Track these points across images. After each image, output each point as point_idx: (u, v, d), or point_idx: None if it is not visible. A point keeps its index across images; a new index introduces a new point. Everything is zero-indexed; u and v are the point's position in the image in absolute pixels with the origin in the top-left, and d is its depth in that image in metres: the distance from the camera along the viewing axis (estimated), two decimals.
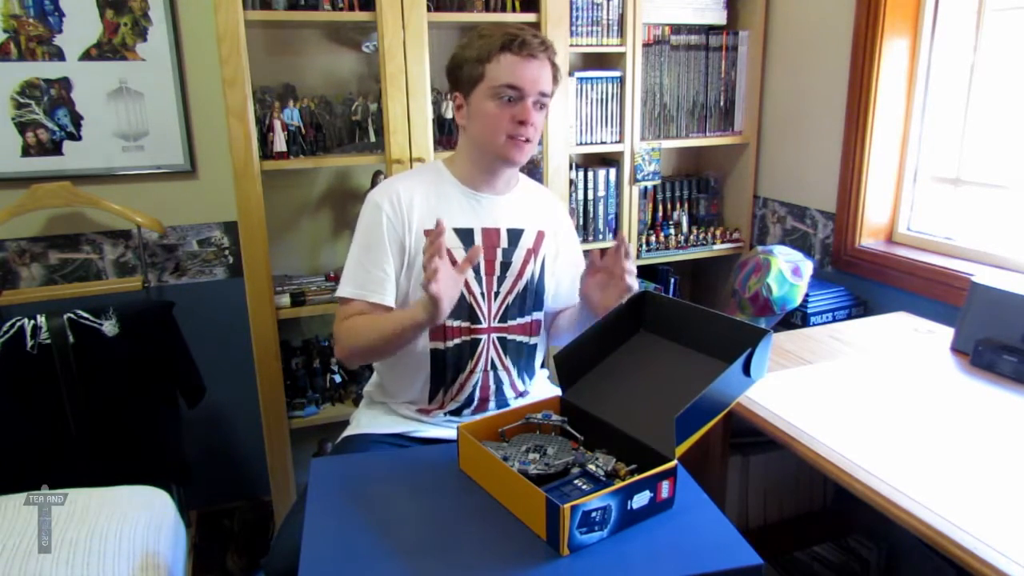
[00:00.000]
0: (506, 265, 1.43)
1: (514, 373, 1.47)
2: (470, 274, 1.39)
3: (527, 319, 1.47)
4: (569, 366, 1.21)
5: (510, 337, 1.45)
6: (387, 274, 1.38)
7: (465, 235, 1.40)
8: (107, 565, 1.32)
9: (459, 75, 1.36)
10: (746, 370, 1.06)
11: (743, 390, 1.09)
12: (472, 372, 1.42)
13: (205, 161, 2.15)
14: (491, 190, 1.43)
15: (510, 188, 1.47)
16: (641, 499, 0.98)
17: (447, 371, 1.42)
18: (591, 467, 1.06)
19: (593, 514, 0.94)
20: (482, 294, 1.41)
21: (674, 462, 1.00)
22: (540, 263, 1.47)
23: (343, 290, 1.39)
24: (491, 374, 1.44)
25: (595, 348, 1.23)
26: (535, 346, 1.51)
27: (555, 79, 1.38)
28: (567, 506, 0.91)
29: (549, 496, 0.94)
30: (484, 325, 1.42)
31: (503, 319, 1.44)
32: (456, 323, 1.40)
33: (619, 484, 0.97)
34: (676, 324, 1.21)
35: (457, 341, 1.41)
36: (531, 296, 1.46)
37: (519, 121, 1.32)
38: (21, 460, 1.77)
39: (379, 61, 1.91)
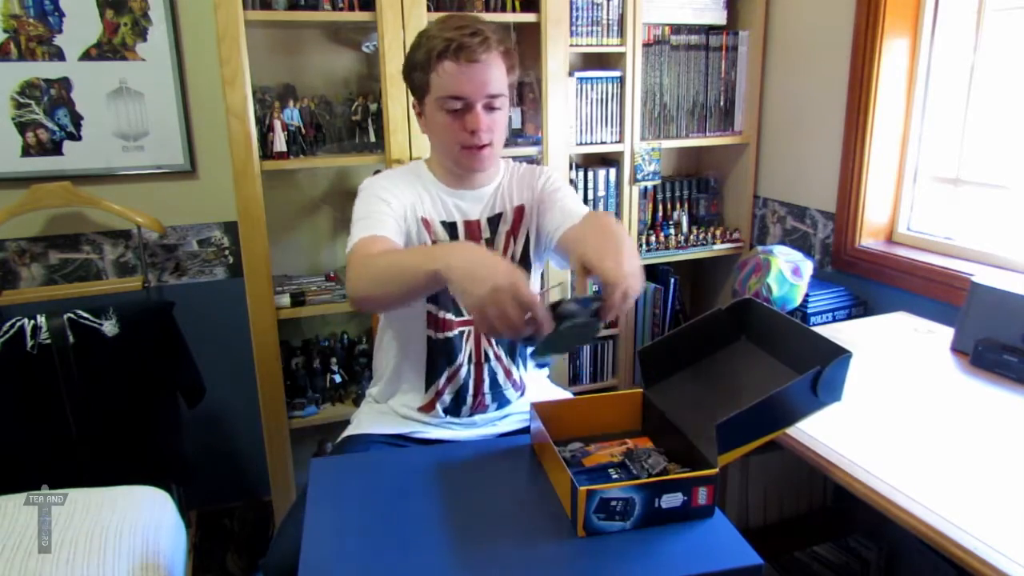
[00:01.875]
0: None
1: (506, 361, 1.46)
2: None
3: None
4: (653, 362, 1.21)
5: None
6: (400, 224, 1.33)
7: (450, 228, 1.40)
8: (107, 565, 1.32)
9: (411, 82, 1.33)
10: (815, 390, 1.02)
11: (810, 411, 1.04)
12: (461, 365, 1.42)
13: (205, 161, 2.15)
14: (469, 186, 1.41)
15: (490, 179, 1.44)
16: (672, 500, 0.98)
17: (439, 361, 1.42)
18: (629, 464, 1.09)
19: (613, 503, 0.95)
20: None
21: (714, 470, 0.99)
22: (523, 241, 1.45)
23: (351, 241, 1.28)
24: (485, 367, 1.44)
25: (687, 349, 1.22)
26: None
27: (510, 69, 1.31)
28: (583, 489, 0.94)
29: (574, 479, 0.96)
30: (467, 317, 1.41)
31: None
32: (447, 315, 1.40)
33: (646, 480, 0.99)
34: (774, 336, 1.18)
35: (449, 334, 1.41)
36: None
37: (470, 131, 1.28)
38: (21, 460, 1.77)
39: (379, 61, 1.91)
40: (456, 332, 1.41)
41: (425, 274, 1.03)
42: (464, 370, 1.43)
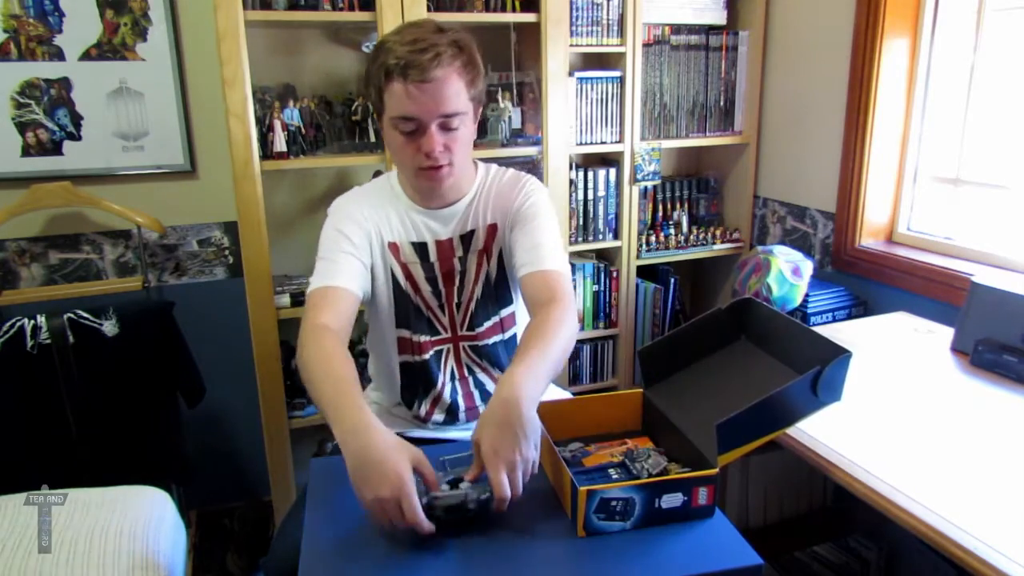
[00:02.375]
0: (463, 273, 1.37)
1: (496, 373, 1.43)
2: (426, 288, 1.35)
3: (496, 319, 1.41)
4: (653, 362, 1.21)
5: (482, 343, 1.40)
6: (360, 264, 1.29)
7: (420, 248, 1.36)
8: (107, 565, 1.32)
9: (367, 95, 1.28)
10: (815, 390, 1.02)
11: (810, 411, 1.05)
12: (443, 385, 1.40)
13: (205, 161, 2.15)
14: (438, 203, 1.34)
15: (462, 194, 1.36)
16: (672, 500, 0.98)
17: (418, 384, 1.40)
18: (629, 464, 1.09)
19: (613, 503, 0.95)
20: (441, 306, 1.37)
21: (714, 470, 0.99)
22: (496, 259, 1.38)
23: (311, 285, 1.27)
24: (469, 380, 1.41)
25: (687, 349, 1.22)
26: (513, 337, 1.44)
27: (469, 83, 1.21)
28: (583, 489, 0.94)
29: (574, 479, 0.96)
30: (447, 335, 1.39)
31: (471, 327, 1.39)
32: (423, 337, 1.37)
33: (646, 480, 0.99)
34: (774, 336, 1.18)
35: (425, 356, 1.38)
36: (492, 296, 1.39)
37: (425, 152, 1.20)
38: (21, 460, 1.77)
39: None
40: (432, 353, 1.38)
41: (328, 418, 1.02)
42: (448, 388, 1.40)
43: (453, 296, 1.38)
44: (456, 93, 1.19)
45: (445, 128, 1.21)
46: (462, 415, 1.43)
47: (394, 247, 1.35)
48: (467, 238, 1.37)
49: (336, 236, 1.30)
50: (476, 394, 1.43)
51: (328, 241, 1.31)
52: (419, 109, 1.17)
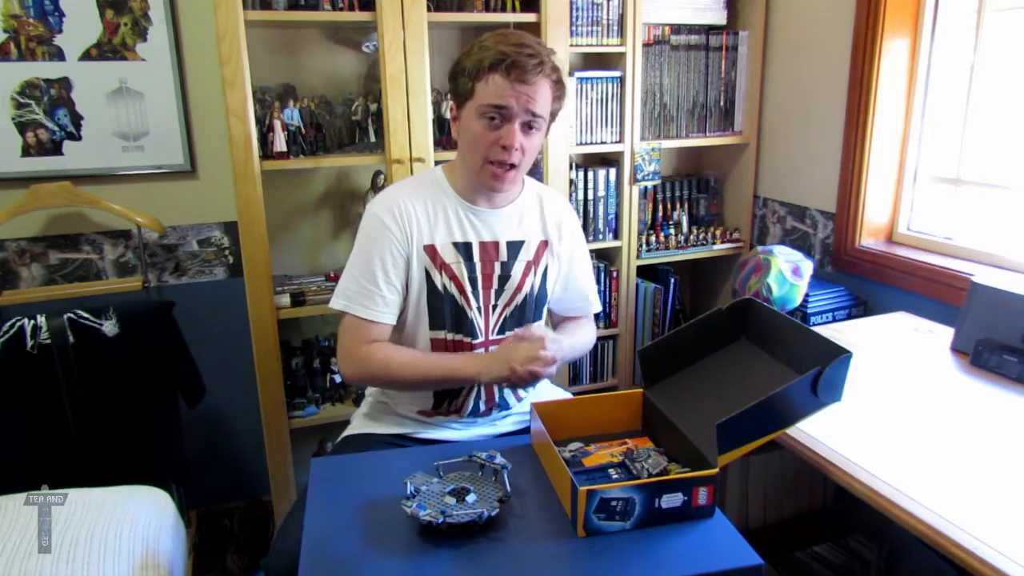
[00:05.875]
0: (505, 278, 1.40)
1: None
2: (468, 288, 1.38)
3: None
4: (653, 362, 1.22)
5: None
6: (397, 295, 1.36)
7: (463, 248, 1.38)
8: (107, 565, 1.32)
9: (455, 85, 1.33)
10: (815, 390, 1.03)
11: (811, 411, 1.06)
12: (474, 385, 1.42)
13: (205, 161, 2.15)
14: (489, 204, 1.39)
15: (512, 199, 1.42)
16: (672, 500, 0.98)
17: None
18: (629, 464, 1.09)
19: (613, 503, 0.96)
20: (479, 308, 1.40)
21: (714, 470, 1.00)
22: (541, 274, 1.45)
23: (353, 308, 1.34)
24: (494, 386, 1.43)
25: (687, 349, 1.23)
26: None
27: (556, 97, 1.32)
28: (583, 489, 0.94)
29: (574, 479, 0.97)
30: (482, 339, 1.41)
31: (501, 331, 1.42)
32: (457, 337, 1.39)
33: (646, 480, 0.99)
34: (774, 336, 1.19)
35: None
36: (530, 308, 1.44)
37: (502, 145, 1.27)
38: (21, 460, 1.77)
39: (379, 61, 1.91)
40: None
41: (459, 379, 1.34)
42: (475, 390, 1.43)
43: (490, 299, 1.40)
44: (545, 99, 1.29)
45: (525, 128, 1.28)
46: (477, 415, 1.45)
47: (431, 249, 1.36)
48: (515, 246, 1.41)
49: (372, 259, 1.34)
50: (496, 397, 1.45)
51: (363, 258, 1.36)
52: (512, 101, 1.25)
